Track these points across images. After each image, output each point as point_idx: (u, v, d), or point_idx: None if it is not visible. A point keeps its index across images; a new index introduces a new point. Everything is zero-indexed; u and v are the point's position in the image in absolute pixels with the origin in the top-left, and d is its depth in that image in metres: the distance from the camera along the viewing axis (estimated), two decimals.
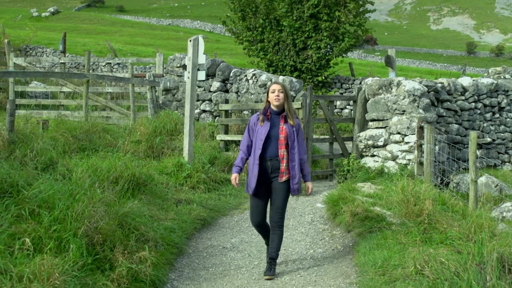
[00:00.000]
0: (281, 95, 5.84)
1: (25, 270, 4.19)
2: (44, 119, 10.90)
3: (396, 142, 10.69)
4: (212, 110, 15.27)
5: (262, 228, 6.11)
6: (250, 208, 6.07)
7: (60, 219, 5.25)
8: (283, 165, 5.85)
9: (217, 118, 14.57)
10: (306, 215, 8.95)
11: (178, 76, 16.21)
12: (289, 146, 5.83)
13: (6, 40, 18.64)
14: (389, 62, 17.19)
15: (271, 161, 5.84)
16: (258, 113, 5.98)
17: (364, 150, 11.28)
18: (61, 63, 19.08)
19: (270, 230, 6.04)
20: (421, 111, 10.51)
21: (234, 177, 5.95)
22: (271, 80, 13.72)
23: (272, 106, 5.93)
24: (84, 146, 9.71)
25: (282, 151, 5.84)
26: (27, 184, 5.82)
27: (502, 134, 12.69)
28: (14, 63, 17.47)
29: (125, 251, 5.49)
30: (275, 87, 5.89)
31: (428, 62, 69.47)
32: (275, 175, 5.88)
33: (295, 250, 7.22)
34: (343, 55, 21.38)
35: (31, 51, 28.38)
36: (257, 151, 5.82)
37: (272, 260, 6.04)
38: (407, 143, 10.48)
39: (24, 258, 4.51)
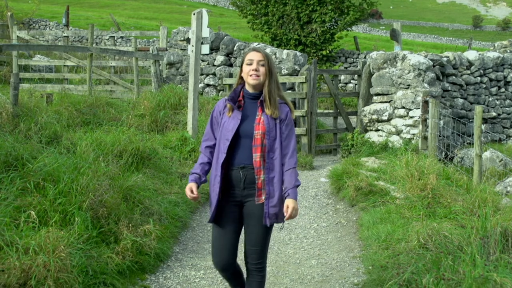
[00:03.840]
0: (262, 69, 3.75)
1: (31, 243, 4.23)
2: (48, 92, 10.87)
3: (401, 117, 10.65)
4: (216, 84, 15.21)
5: (229, 272, 3.92)
6: (212, 242, 3.92)
7: (65, 192, 5.27)
8: (260, 178, 3.73)
9: (221, 92, 14.53)
10: (310, 189, 8.97)
11: (181, 50, 16.11)
12: (266, 148, 3.73)
13: (9, 13, 18.52)
14: (394, 36, 17.03)
15: (243, 170, 3.74)
16: (226, 97, 3.92)
17: (368, 124, 11.25)
18: (64, 36, 18.99)
19: (246, 276, 3.95)
20: (426, 85, 10.45)
21: (188, 187, 3.77)
22: (275, 54, 13.61)
23: (247, 87, 3.83)
24: (88, 120, 9.71)
25: (257, 156, 3.71)
26: (31, 157, 5.84)
27: (507, 109, 12.64)
28: (17, 36, 17.39)
29: (130, 224, 5.52)
30: (253, 55, 3.77)
31: (433, 36, 68.87)
32: (250, 193, 3.78)
33: (299, 224, 7.26)
34: (348, 29, 21.22)
35: (34, 25, 28.22)
36: (220, 157, 3.76)
37: None
38: (411, 117, 10.45)
39: (29, 230, 4.54)
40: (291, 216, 3.72)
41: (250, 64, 3.76)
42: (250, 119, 3.76)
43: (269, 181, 3.74)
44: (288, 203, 3.72)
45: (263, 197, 3.74)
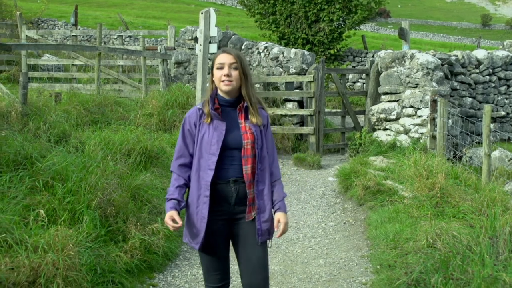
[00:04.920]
0: (235, 73, 3.32)
1: (40, 241, 4.25)
2: (57, 92, 10.92)
3: (409, 116, 10.62)
4: None
5: (227, 287, 3.55)
6: (202, 266, 3.52)
7: (73, 191, 5.30)
8: (251, 192, 3.34)
9: None
10: (317, 189, 8.96)
11: (189, 49, 16.14)
12: (256, 158, 3.35)
13: (18, 13, 18.61)
14: (402, 34, 16.98)
15: (235, 184, 3.32)
16: (197, 105, 3.46)
17: (376, 123, 11.22)
18: (72, 36, 19.08)
19: None
20: (434, 84, 10.41)
21: (168, 216, 3.23)
22: (283, 54, 13.59)
23: (220, 92, 3.40)
24: (96, 119, 9.75)
25: (248, 169, 3.32)
26: (40, 156, 5.87)
27: None
28: (26, 35, 17.47)
29: (138, 223, 5.54)
30: (224, 58, 3.33)
31: (442, 35, 68.62)
32: (241, 210, 3.37)
33: (307, 223, 7.25)
34: (356, 27, 21.17)
35: (43, 24, 28.34)
36: (206, 174, 3.30)
37: None
38: (419, 116, 10.41)
39: (38, 229, 4.57)
40: (284, 232, 3.40)
41: (221, 68, 3.32)
42: (234, 128, 3.34)
43: (259, 194, 3.35)
44: (280, 217, 3.38)
45: (252, 213, 3.35)
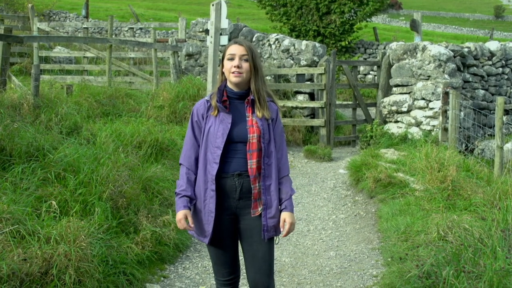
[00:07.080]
0: (245, 65, 3.27)
1: (52, 232, 4.28)
2: (68, 84, 10.96)
3: (420, 108, 10.56)
4: None
5: (236, 280, 3.52)
6: (211, 260, 3.51)
7: (85, 183, 5.33)
8: (256, 188, 3.28)
9: None
10: (328, 181, 8.95)
11: (200, 41, 16.11)
12: (262, 152, 3.28)
13: (30, 5, 18.67)
14: (414, 26, 16.85)
15: (239, 177, 3.26)
16: (206, 97, 3.42)
17: (387, 116, 11.18)
18: (84, 28, 19.10)
19: None
20: (446, 76, 10.34)
21: (182, 215, 3.22)
22: (294, 46, 13.54)
23: (229, 84, 3.35)
24: (107, 111, 9.77)
25: (253, 163, 3.26)
26: (52, 148, 5.90)
27: None
28: (38, 28, 17.53)
29: (149, 215, 5.57)
30: (235, 49, 3.29)
31: (454, 26, 68.03)
32: (246, 205, 3.31)
33: (317, 215, 7.25)
34: (367, 19, 21.03)
35: (54, 16, 28.43)
36: (210, 168, 3.27)
37: None
38: (431, 109, 10.35)
39: (50, 220, 4.60)
40: (289, 232, 3.33)
41: (232, 60, 3.28)
42: (241, 122, 3.29)
43: (266, 189, 3.28)
44: (285, 217, 3.29)
45: (259, 209, 3.29)
